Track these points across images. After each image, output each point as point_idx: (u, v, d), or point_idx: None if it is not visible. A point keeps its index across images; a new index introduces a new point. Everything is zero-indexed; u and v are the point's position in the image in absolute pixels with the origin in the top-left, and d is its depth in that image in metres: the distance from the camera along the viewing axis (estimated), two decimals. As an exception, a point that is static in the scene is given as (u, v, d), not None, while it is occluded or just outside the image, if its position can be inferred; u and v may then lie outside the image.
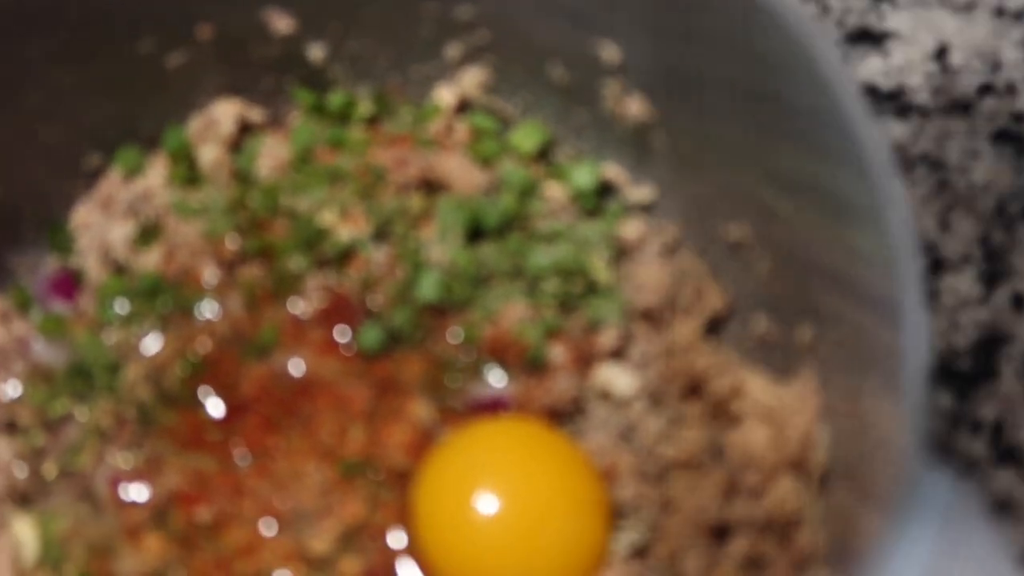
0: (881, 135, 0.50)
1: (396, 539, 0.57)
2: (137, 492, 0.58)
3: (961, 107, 0.71)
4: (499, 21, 0.60)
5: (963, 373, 0.66)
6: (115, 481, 0.58)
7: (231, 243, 0.60)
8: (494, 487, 0.55)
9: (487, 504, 0.55)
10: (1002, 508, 0.62)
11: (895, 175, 0.49)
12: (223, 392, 0.59)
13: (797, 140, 0.54)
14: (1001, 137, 0.70)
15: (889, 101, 0.71)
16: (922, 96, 0.71)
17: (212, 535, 0.57)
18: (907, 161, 0.70)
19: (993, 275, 0.67)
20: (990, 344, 0.66)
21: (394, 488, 0.57)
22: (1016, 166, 0.69)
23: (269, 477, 0.58)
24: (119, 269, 0.61)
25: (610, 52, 0.59)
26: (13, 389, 0.60)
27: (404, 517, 0.57)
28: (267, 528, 0.57)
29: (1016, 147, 0.70)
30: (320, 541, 0.56)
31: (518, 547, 0.55)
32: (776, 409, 0.56)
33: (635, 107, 0.60)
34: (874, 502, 0.48)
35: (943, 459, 0.45)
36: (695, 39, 0.55)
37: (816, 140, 0.52)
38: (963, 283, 0.67)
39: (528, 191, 0.62)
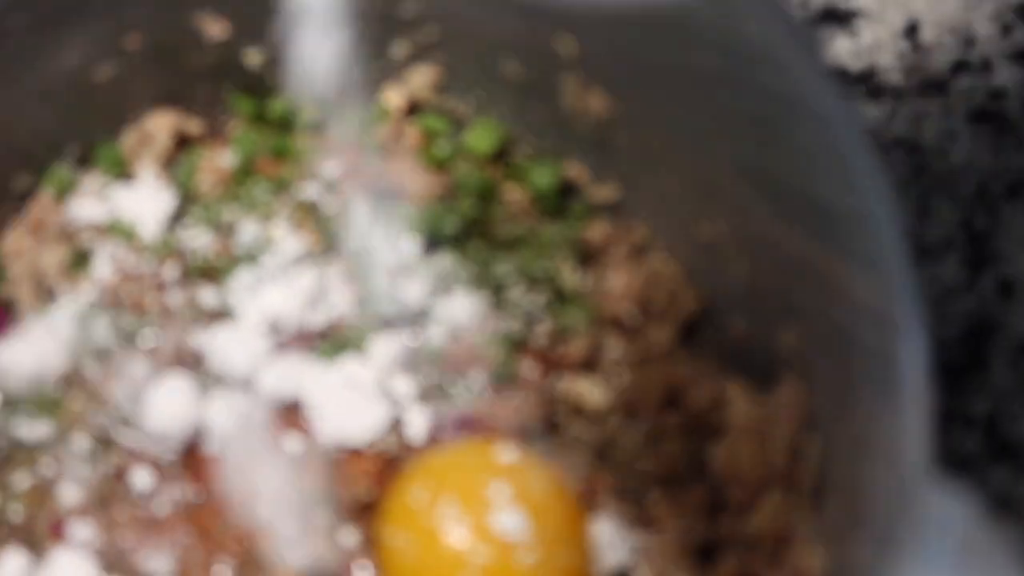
0: (860, 126, 0.48)
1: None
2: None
3: (935, 86, 0.69)
4: (446, 16, 0.58)
5: (952, 366, 0.64)
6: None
7: (171, 267, 0.58)
8: (463, 519, 0.52)
9: (457, 538, 0.52)
10: (1001, 507, 0.60)
11: (879, 170, 0.46)
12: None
13: (769, 133, 0.51)
14: (978, 116, 0.68)
15: (860, 83, 0.69)
16: (894, 76, 0.69)
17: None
18: (882, 145, 0.67)
19: (978, 261, 0.65)
20: (978, 334, 0.64)
21: (359, 521, 0.55)
22: (995, 145, 0.67)
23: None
24: (52, 297, 0.59)
25: (567, 45, 0.56)
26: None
27: (370, 552, 0.54)
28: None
29: (994, 125, 0.68)
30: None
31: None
32: (760, 419, 0.54)
33: (595, 102, 0.57)
34: (873, 519, 0.45)
35: (948, 476, 0.42)
36: (655, 28, 0.53)
37: (790, 133, 0.50)
38: (947, 271, 0.65)
39: (486, 195, 0.59)
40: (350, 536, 0.54)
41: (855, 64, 0.69)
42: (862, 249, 0.47)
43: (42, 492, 0.55)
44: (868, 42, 0.69)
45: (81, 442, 0.56)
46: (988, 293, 0.65)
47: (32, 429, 0.56)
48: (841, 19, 0.70)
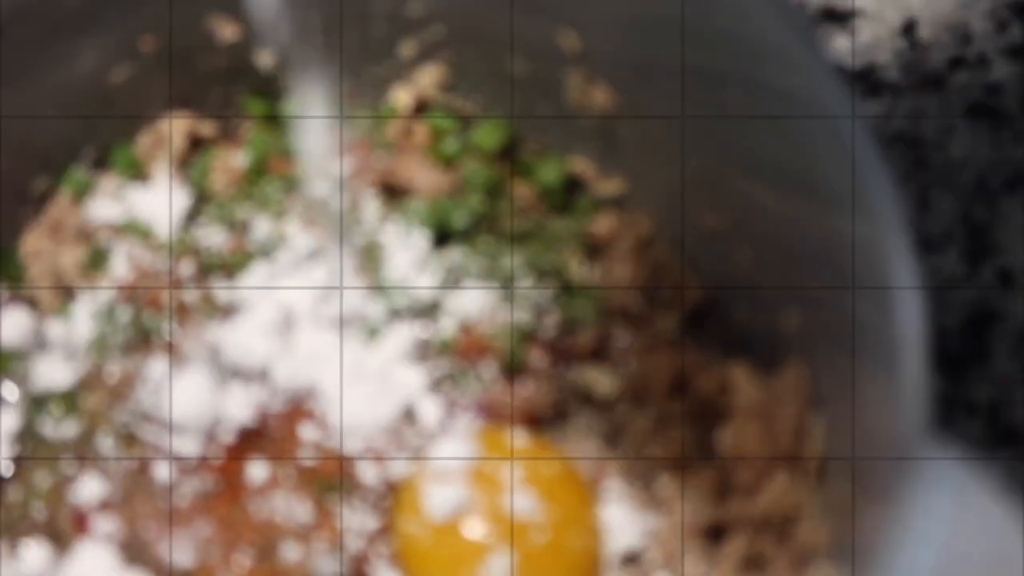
0: (859, 114, 0.48)
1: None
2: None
3: (933, 82, 0.69)
4: (453, 15, 0.59)
5: (954, 355, 0.64)
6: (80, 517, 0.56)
7: (186, 264, 0.59)
8: (476, 506, 0.53)
9: (471, 527, 0.53)
10: (1006, 491, 0.60)
11: (877, 154, 0.47)
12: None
13: (771, 124, 0.52)
14: (975, 111, 0.69)
15: (859, 80, 0.70)
16: (892, 73, 0.70)
17: None
18: (882, 140, 0.68)
19: (977, 252, 0.66)
20: (979, 323, 0.65)
21: (376, 508, 0.55)
22: (993, 139, 0.68)
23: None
24: (71, 296, 0.59)
25: (570, 41, 0.57)
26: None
27: (387, 539, 0.55)
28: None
29: (991, 120, 0.68)
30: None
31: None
32: (765, 402, 0.54)
33: (600, 97, 0.58)
34: (875, 492, 0.46)
35: (942, 442, 0.43)
36: (655, 23, 0.54)
37: (790, 124, 0.50)
38: (947, 262, 0.66)
39: (494, 190, 0.60)
40: (368, 523, 0.55)
41: (854, 62, 0.70)
42: (859, 232, 0.47)
43: (64, 489, 0.56)
44: (866, 40, 0.70)
45: (104, 439, 0.57)
46: (988, 284, 0.66)
47: (56, 428, 0.57)
48: (840, 18, 0.71)
